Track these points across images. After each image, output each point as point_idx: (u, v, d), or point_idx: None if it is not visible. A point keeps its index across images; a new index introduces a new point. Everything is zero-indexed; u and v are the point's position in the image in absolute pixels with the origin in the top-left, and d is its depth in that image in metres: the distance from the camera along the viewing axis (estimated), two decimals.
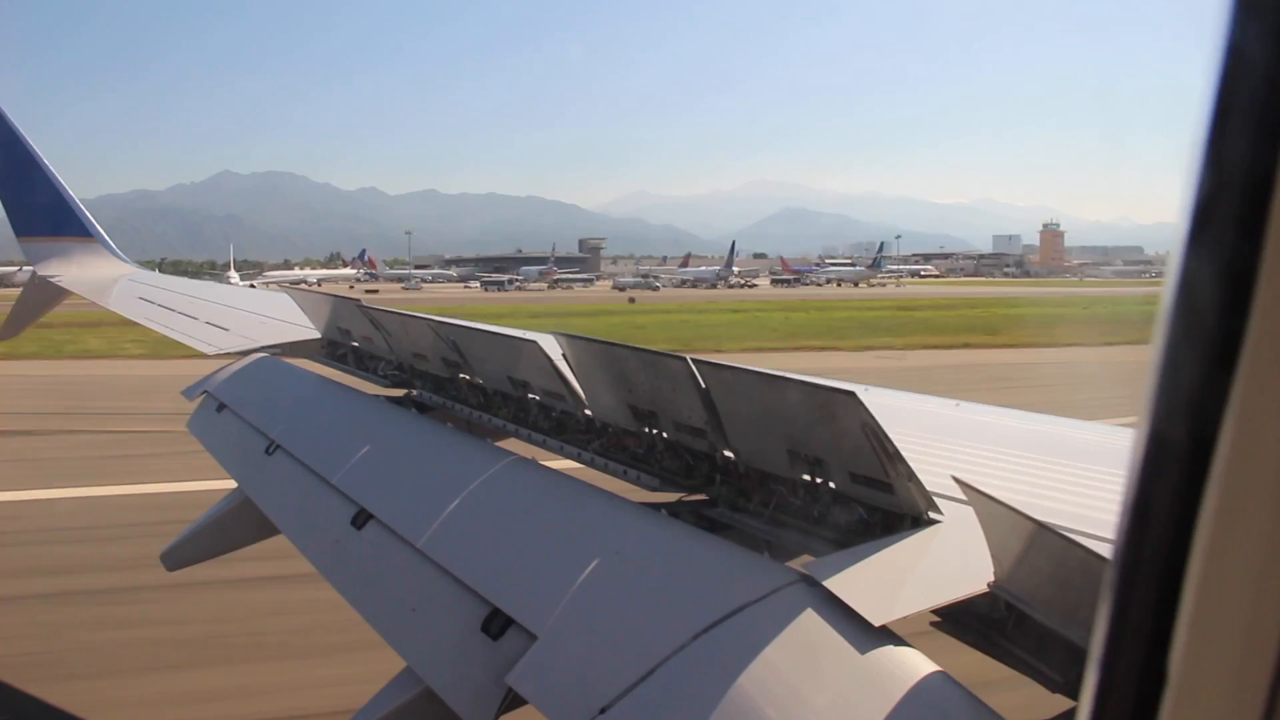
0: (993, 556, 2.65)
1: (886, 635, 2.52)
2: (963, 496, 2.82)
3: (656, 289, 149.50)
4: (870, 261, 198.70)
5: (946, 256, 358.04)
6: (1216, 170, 0.83)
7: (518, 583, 3.56)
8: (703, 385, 3.63)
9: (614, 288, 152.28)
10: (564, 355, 4.63)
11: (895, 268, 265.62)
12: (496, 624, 3.36)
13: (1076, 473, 4.35)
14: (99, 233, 18.04)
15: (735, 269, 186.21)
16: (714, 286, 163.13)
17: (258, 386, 7.70)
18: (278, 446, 6.02)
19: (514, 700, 3.11)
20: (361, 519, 4.62)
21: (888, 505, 3.18)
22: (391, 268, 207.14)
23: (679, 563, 3.24)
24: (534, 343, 4.98)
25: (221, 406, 7.38)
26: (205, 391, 7.87)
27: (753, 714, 2.40)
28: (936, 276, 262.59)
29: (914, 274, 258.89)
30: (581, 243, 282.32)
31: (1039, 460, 4.43)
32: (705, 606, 2.79)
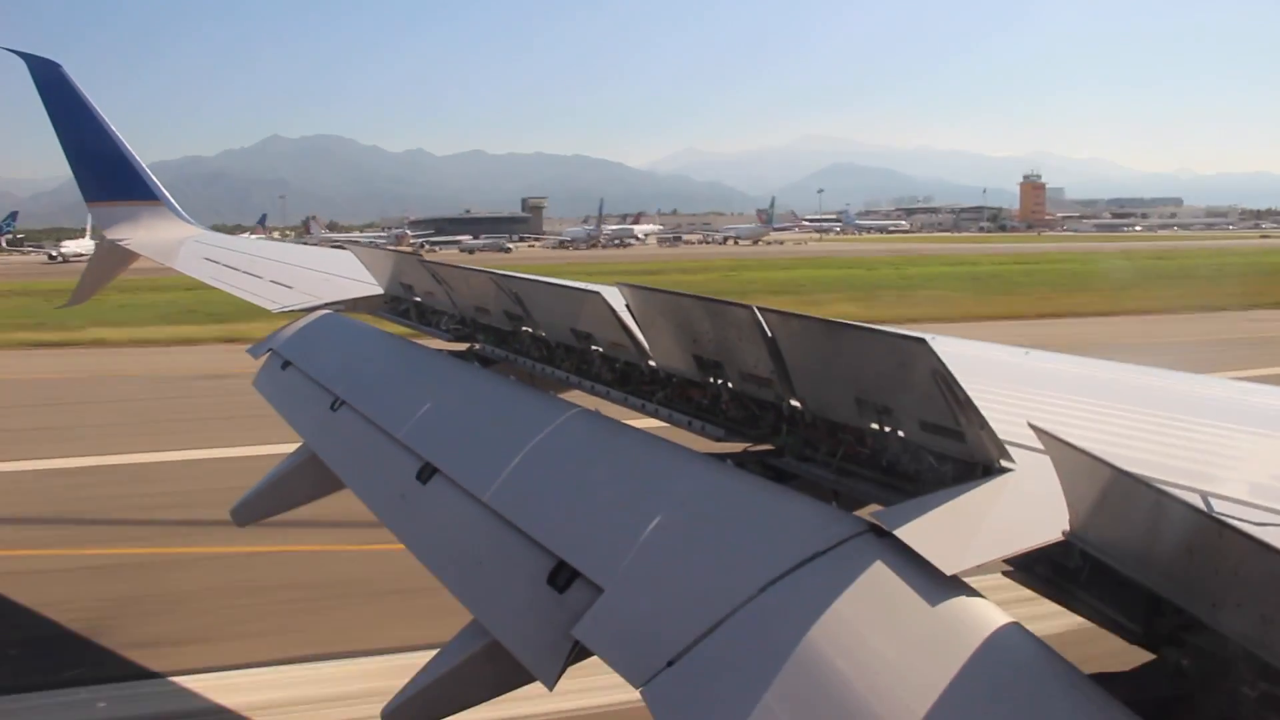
0: (1069, 505, 2.61)
1: (958, 585, 2.48)
2: (1036, 445, 2.77)
3: (508, 250, 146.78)
4: (763, 219, 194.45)
5: (933, 210, 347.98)
6: None
7: (583, 535, 3.53)
8: (769, 334, 3.57)
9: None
10: (627, 306, 4.58)
11: (864, 223, 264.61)
12: (562, 576, 3.33)
13: (1155, 421, 4.22)
14: (164, 195, 18.28)
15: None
16: (592, 247, 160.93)
17: (322, 343, 7.74)
18: (342, 402, 6.05)
19: (581, 652, 3.10)
20: (426, 473, 4.62)
21: (959, 454, 3.10)
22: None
23: (746, 513, 3.19)
24: (597, 294, 4.93)
25: (286, 364, 7.43)
26: (271, 349, 7.93)
27: (823, 666, 2.37)
28: (905, 232, 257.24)
29: (882, 230, 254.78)
30: (524, 201, 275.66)
31: (1114, 408, 4.30)
32: (773, 557, 2.75)
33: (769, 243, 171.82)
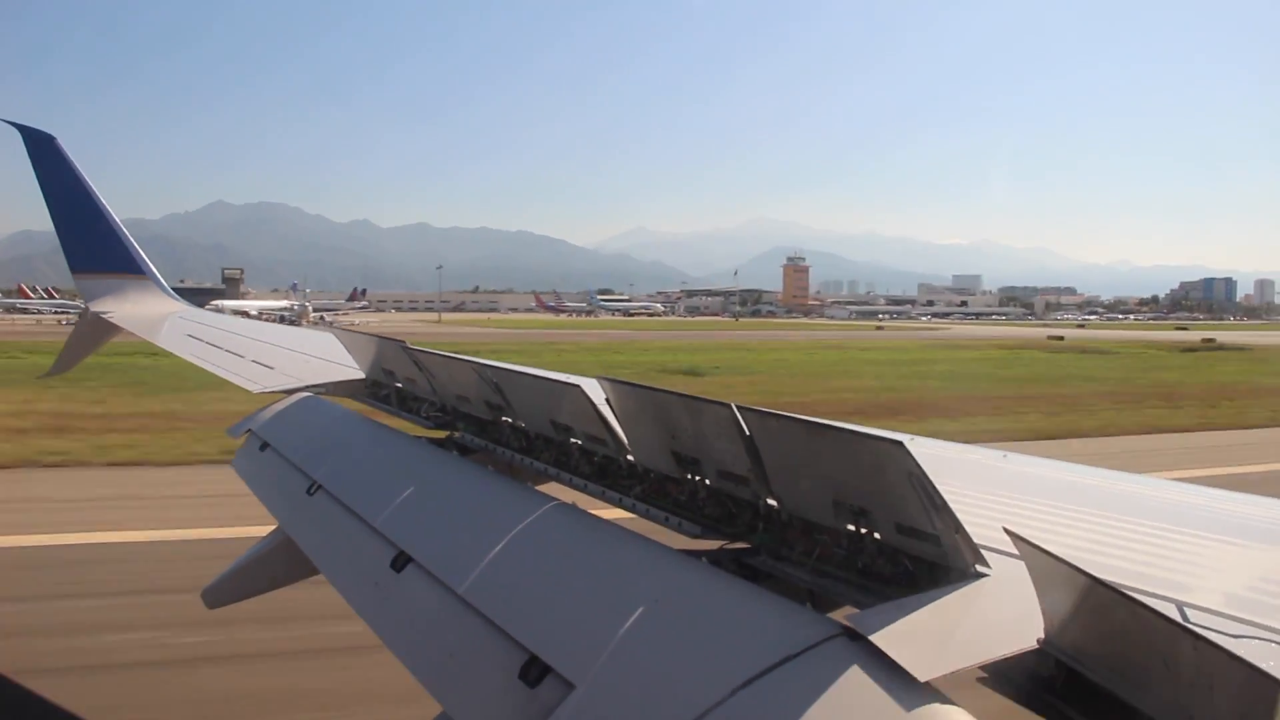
0: (1043, 612, 2.58)
1: (932, 692, 2.46)
2: (1012, 550, 2.77)
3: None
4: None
5: (708, 293, 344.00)
6: None
7: (556, 630, 3.52)
8: (746, 432, 3.62)
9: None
10: (607, 399, 4.65)
11: (607, 303, 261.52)
12: (534, 671, 3.30)
13: (1131, 528, 4.30)
14: (150, 270, 18.12)
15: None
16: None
17: (300, 426, 7.72)
18: (319, 486, 6.03)
19: None
20: (401, 561, 4.59)
21: (934, 557, 3.13)
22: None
23: (720, 612, 3.18)
24: (577, 387, 5.00)
25: (265, 445, 7.38)
26: (249, 430, 7.88)
27: None
28: (651, 314, 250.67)
29: (625, 312, 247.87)
30: (222, 271, 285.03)
31: (1091, 514, 4.39)
32: (746, 658, 2.73)
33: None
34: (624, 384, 4.47)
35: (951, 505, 2.93)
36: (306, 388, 8.81)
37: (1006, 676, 2.75)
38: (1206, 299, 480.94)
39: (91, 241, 17.60)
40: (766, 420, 3.50)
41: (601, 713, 3.04)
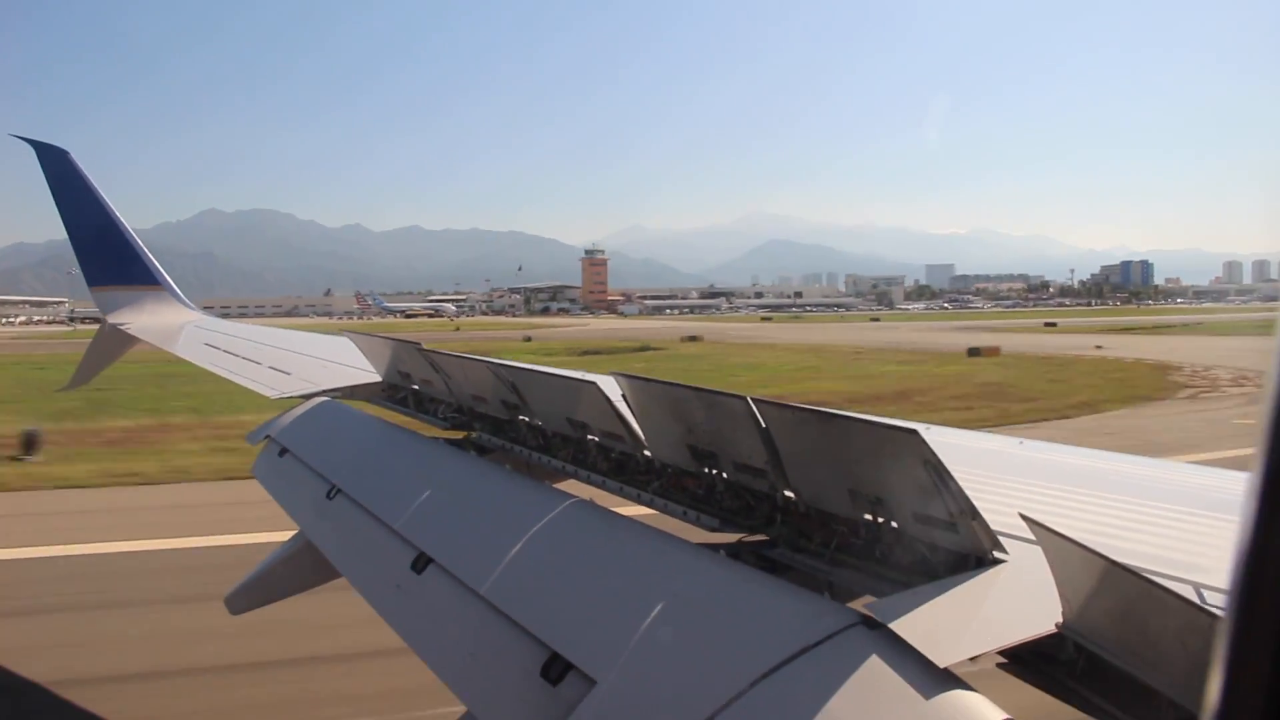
0: (1061, 596, 2.60)
1: (951, 679, 2.45)
2: (1029, 536, 2.80)
3: None
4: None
5: (516, 290, 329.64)
6: None
7: (576, 627, 3.56)
8: (762, 424, 3.65)
9: None
10: (623, 395, 4.67)
11: (391, 306, 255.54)
12: (556, 669, 3.34)
13: (1147, 511, 4.33)
14: (166, 281, 18.27)
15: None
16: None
17: (319, 430, 7.74)
18: (338, 490, 6.06)
19: None
20: (421, 563, 4.62)
21: (952, 545, 3.14)
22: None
23: (739, 605, 3.22)
24: (593, 384, 5.02)
25: (284, 451, 7.41)
26: (268, 435, 7.91)
27: None
28: (432, 316, 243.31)
29: (405, 313, 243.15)
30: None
31: (1107, 498, 4.39)
32: (765, 650, 2.75)
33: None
34: (639, 379, 4.50)
35: (968, 492, 2.92)
36: (323, 392, 8.84)
37: (1026, 661, 2.74)
38: (1125, 283, 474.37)
39: (107, 255, 17.70)
40: (782, 412, 3.49)
41: (623, 708, 3.03)
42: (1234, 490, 5.04)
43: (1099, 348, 79.11)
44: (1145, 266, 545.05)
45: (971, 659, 2.55)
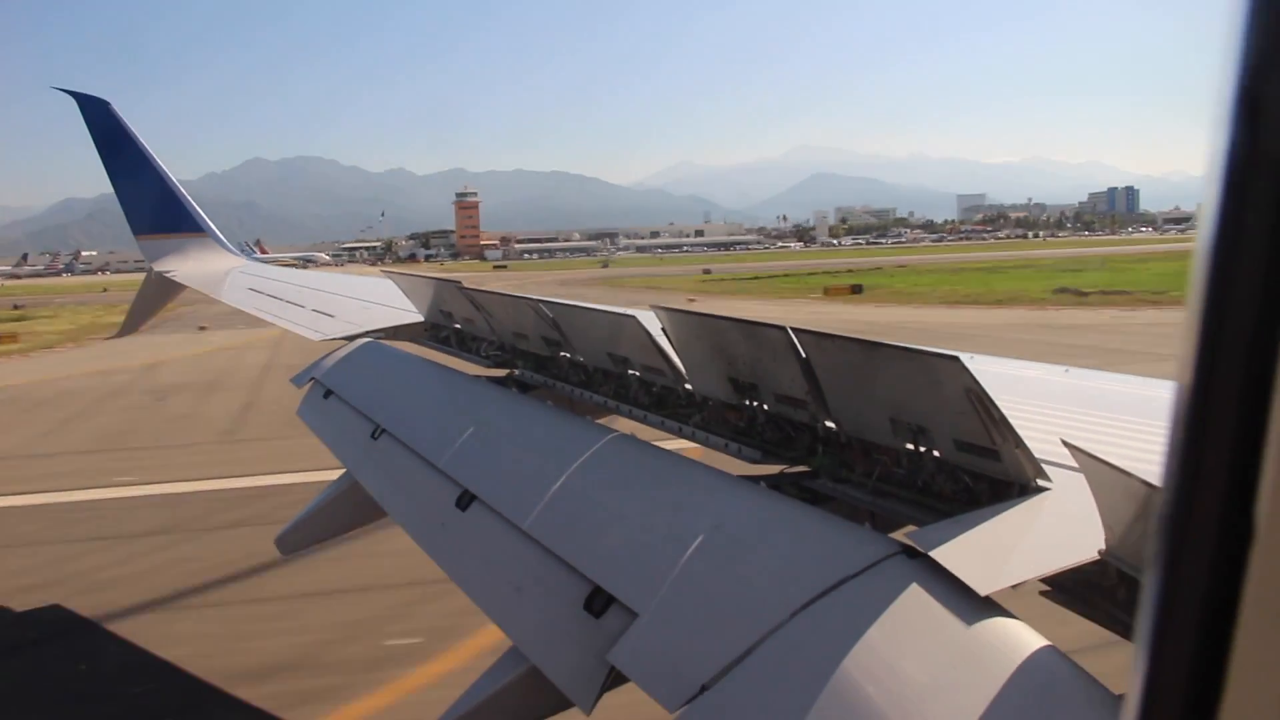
0: (1104, 523, 2.58)
1: (993, 607, 2.46)
2: (1072, 463, 2.77)
3: None
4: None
5: (414, 236, 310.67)
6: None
7: (619, 560, 3.59)
8: (803, 355, 3.63)
9: None
10: (663, 329, 4.66)
11: (261, 257, 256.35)
12: (599, 602, 3.38)
13: None
14: (210, 228, 18.61)
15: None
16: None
17: (363, 371, 7.82)
18: (383, 430, 6.13)
19: (617, 678, 3.15)
20: (465, 500, 4.68)
21: (994, 473, 3.12)
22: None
23: (781, 536, 3.22)
24: (633, 318, 5.02)
25: (329, 393, 7.51)
26: (313, 378, 8.01)
27: (856, 689, 2.36)
28: (303, 265, 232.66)
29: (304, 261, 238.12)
30: None
31: (1151, 424, 4.36)
32: (807, 580, 2.76)
33: None
34: (679, 311, 4.48)
35: (1011, 419, 2.90)
36: (367, 333, 8.89)
37: (1068, 588, 2.75)
38: (1110, 211, 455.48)
39: (150, 203, 17.91)
40: (822, 341, 3.48)
41: (664, 640, 3.05)
42: None
43: None
44: (1130, 193, 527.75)
45: (1013, 587, 2.52)
